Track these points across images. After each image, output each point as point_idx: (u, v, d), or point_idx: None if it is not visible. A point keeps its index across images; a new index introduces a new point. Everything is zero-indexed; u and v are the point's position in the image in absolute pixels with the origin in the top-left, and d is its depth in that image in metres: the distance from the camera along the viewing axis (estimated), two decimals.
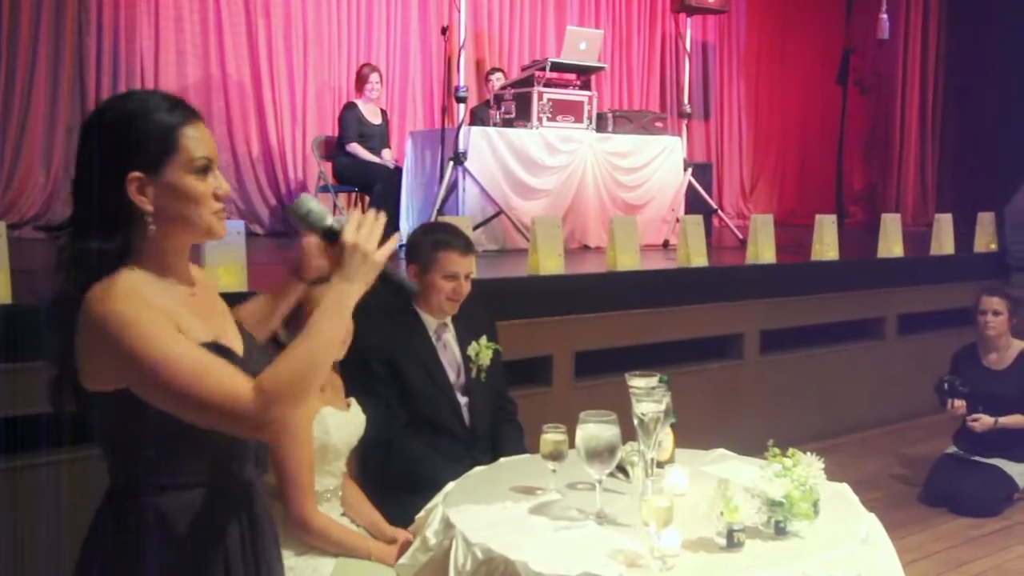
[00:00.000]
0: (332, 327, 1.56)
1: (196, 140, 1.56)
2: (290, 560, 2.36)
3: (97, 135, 1.54)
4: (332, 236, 1.65)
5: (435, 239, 3.07)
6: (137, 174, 1.52)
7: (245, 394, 1.46)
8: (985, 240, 7.09)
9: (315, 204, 1.70)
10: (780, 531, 2.09)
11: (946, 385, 4.51)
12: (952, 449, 4.75)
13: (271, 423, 1.48)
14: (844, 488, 2.41)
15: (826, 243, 5.99)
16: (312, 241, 1.80)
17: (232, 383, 1.47)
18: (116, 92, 6.72)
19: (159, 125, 1.54)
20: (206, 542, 1.58)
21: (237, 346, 1.66)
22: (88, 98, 6.71)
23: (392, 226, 6.37)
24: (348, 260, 1.59)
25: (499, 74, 7.83)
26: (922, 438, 5.62)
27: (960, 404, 4.50)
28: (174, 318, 1.52)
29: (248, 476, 1.68)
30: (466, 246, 3.07)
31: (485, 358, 3.09)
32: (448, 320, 3.11)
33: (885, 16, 8.71)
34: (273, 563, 1.74)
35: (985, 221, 7.14)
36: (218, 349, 1.55)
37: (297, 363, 1.51)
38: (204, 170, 1.57)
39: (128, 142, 1.52)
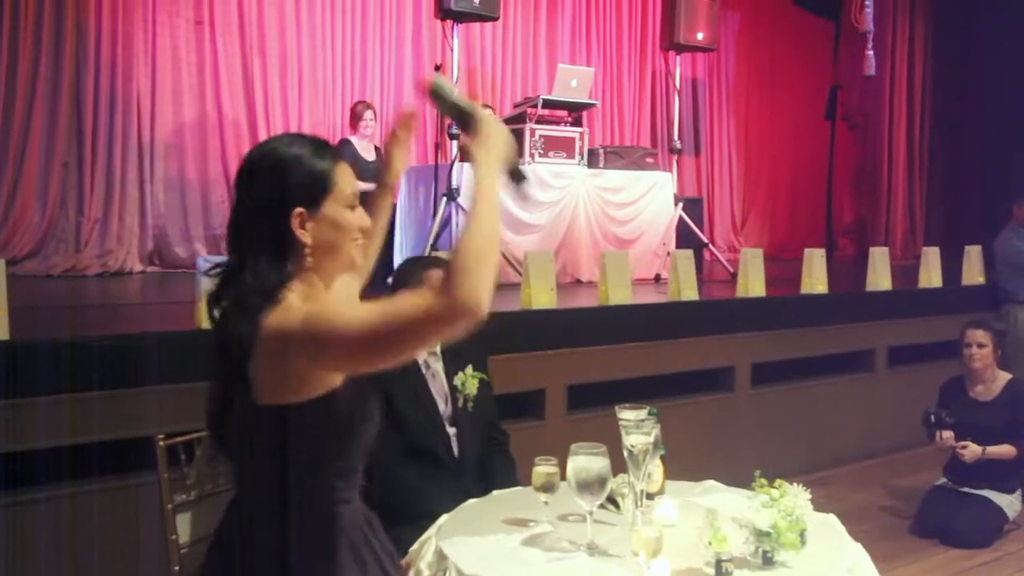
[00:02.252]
0: (490, 202, 1.60)
1: (347, 178, 1.73)
2: None
3: (259, 179, 1.69)
4: (460, 113, 1.73)
5: (423, 263, 3.23)
6: (300, 210, 1.66)
7: (432, 296, 1.50)
8: (973, 273, 7.17)
9: (445, 82, 1.82)
10: (768, 561, 2.12)
11: (932, 417, 4.55)
12: (942, 481, 4.78)
13: (470, 302, 1.49)
14: (831, 519, 2.44)
15: (815, 276, 6.05)
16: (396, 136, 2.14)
17: (415, 298, 1.53)
18: (113, 130, 6.84)
19: (317, 166, 1.70)
20: (372, 553, 1.77)
21: None
22: (85, 136, 6.79)
23: (386, 262, 6.47)
24: (486, 131, 1.67)
25: (490, 111, 7.93)
26: (912, 470, 5.65)
27: (948, 435, 4.54)
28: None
29: None
30: None
31: (471, 388, 3.13)
32: (437, 350, 3.15)
33: (871, 53, 8.86)
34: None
35: (973, 254, 7.23)
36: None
37: (472, 240, 1.54)
38: (353, 206, 1.74)
39: (290, 183, 1.67)
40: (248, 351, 1.60)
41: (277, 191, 1.66)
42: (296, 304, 1.61)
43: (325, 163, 1.70)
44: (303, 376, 1.61)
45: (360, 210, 1.75)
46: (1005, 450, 4.51)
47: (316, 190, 1.68)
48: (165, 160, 7.17)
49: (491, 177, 1.63)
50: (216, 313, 1.71)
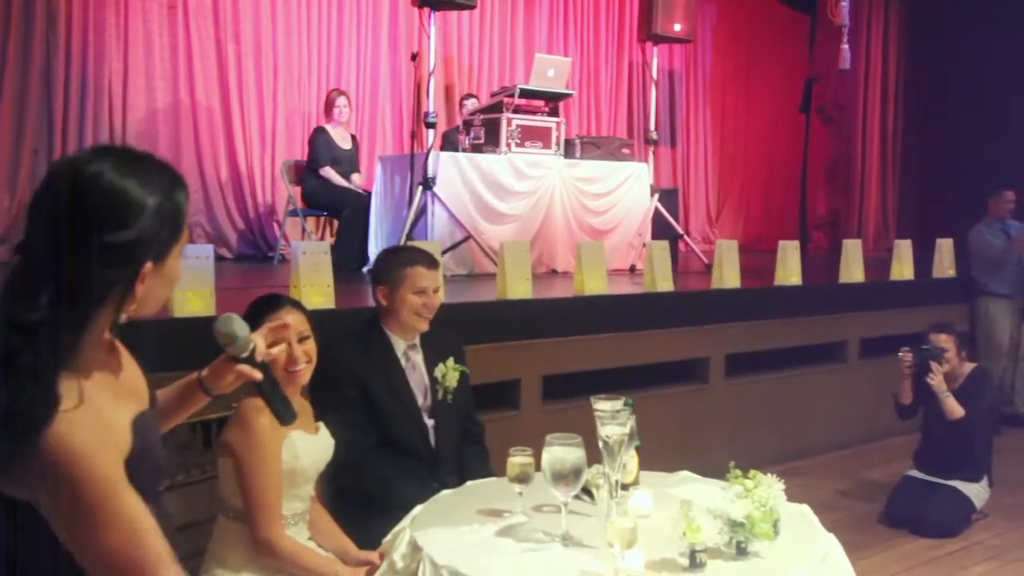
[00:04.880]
0: None
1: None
2: None
3: (96, 220, 1.36)
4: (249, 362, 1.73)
5: (402, 258, 3.16)
6: (151, 264, 1.42)
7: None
8: (944, 266, 7.25)
9: (241, 329, 1.73)
10: (741, 551, 2.14)
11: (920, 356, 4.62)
12: (912, 471, 4.84)
13: None
14: (804, 509, 2.46)
15: (789, 268, 6.09)
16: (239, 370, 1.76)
17: (156, 565, 1.36)
18: (84, 116, 6.74)
19: (179, 207, 1.46)
20: None
21: (143, 390, 1.58)
22: (55, 121, 6.68)
23: (360, 251, 6.44)
24: None
25: (473, 100, 7.91)
26: (883, 460, 5.71)
27: (908, 357, 4.64)
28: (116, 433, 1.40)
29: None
30: (432, 262, 3.16)
31: (452, 380, 3.12)
32: (416, 342, 3.14)
33: (846, 47, 8.90)
34: None
35: (944, 247, 7.31)
36: (141, 417, 1.47)
37: None
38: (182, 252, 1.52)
39: (146, 230, 1.40)
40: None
41: (130, 240, 1.37)
42: (80, 417, 1.32)
43: (184, 199, 1.46)
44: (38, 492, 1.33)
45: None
46: (957, 409, 4.56)
47: (175, 235, 1.44)
48: (137, 147, 7.06)
49: None
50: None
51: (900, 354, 4.70)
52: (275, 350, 1.88)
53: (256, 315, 2.41)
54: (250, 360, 1.74)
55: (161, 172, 1.46)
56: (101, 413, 1.39)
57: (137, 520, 1.36)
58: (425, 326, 3.11)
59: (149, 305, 1.48)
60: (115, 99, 6.96)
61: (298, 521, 2.49)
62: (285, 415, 1.82)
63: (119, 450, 1.39)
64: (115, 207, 1.38)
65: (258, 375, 1.74)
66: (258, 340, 1.77)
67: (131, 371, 1.58)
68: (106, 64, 6.89)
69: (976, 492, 4.66)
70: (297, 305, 2.59)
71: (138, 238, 1.38)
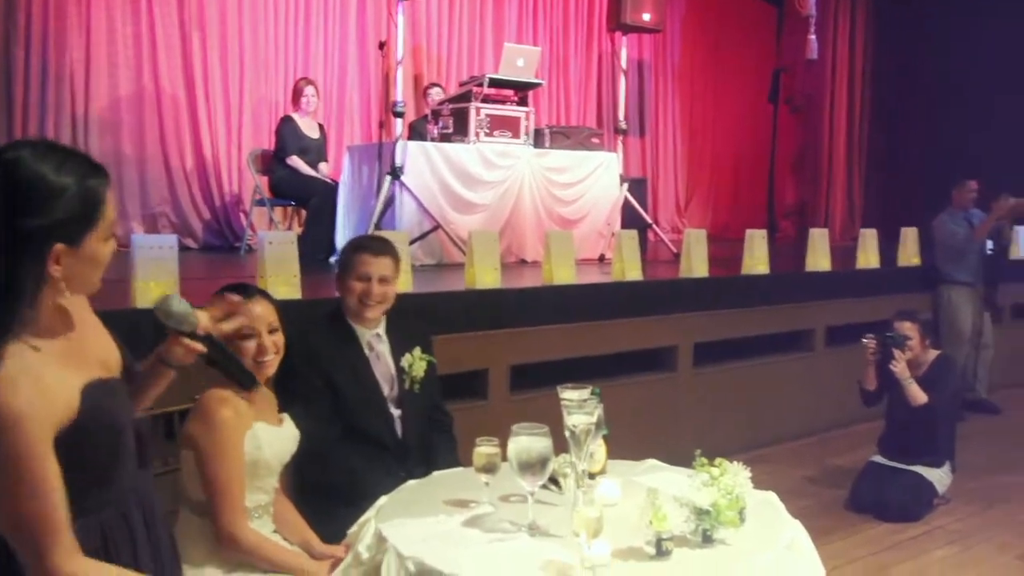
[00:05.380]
0: None
1: (112, 204, 1.61)
2: None
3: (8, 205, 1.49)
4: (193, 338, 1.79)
5: (351, 245, 3.17)
6: (61, 247, 1.51)
7: (58, 559, 1.49)
8: (908, 254, 7.33)
9: (177, 305, 1.78)
10: (707, 539, 2.14)
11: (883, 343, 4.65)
12: (877, 457, 4.89)
13: None
14: (770, 496, 2.47)
15: (757, 257, 6.13)
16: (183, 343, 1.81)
17: (56, 538, 1.50)
18: (46, 103, 6.63)
19: (91, 193, 1.55)
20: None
21: (115, 360, 1.71)
22: (15, 109, 6.57)
23: (328, 241, 6.39)
24: None
25: (438, 89, 7.87)
26: (848, 447, 5.77)
27: (872, 343, 4.69)
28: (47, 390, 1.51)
29: (140, 483, 1.73)
30: (378, 248, 3.09)
31: (419, 370, 3.10)
32: (381, 331, 3.12)
33: (814, 37, 8.97)
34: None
35: (908, 236, 7.39)
36: (99, 385, 1.59)
37: None
38: (109, 237, 1.61)
39: (56, 215, 1.50)
40: None
41: (40, 224, 1.48)
42: (15, 373, 1.47)
43: (100, 186, 1.56)
44: None
45: (112, 242, 1.62)
46: (920, 395, 4.61)
47: (87, 222, 1.53)
48: (100, 135, 6.96)
49: None
50: None
51: (864, 341, 4.75)
52: (228, 325, 1.92)
53: None
54: (192, 334, 1.79)
55: (78, 160, 1.57)
56: (40, 380, 1.50)
57: (46, 491, 1.49)
58: (371, 314, 3.04)
59: (78, 285, 1.58)
60: (77, 87, 6.86)
61: (262, 514, 2.46)
62: (245, 380, 1.88)
63: (54, 418, 1.51)
64: (29, 191, 1.49)
65: (199, 347, 1.79)
66: (201, 315, 1.80)
67: (96, 340, 1.69)
68: (67, 51, 6.78)
69: (939, 477, 4.72)
70: (266, 295, 2.56)
71: (50, 222, 1.49)
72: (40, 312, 1.54)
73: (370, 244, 3.12)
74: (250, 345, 2.44)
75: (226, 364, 1.86)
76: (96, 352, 1.68)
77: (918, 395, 4.61)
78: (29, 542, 1.50)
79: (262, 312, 2.45)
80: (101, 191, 1.57)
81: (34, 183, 1.50)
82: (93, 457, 1.59)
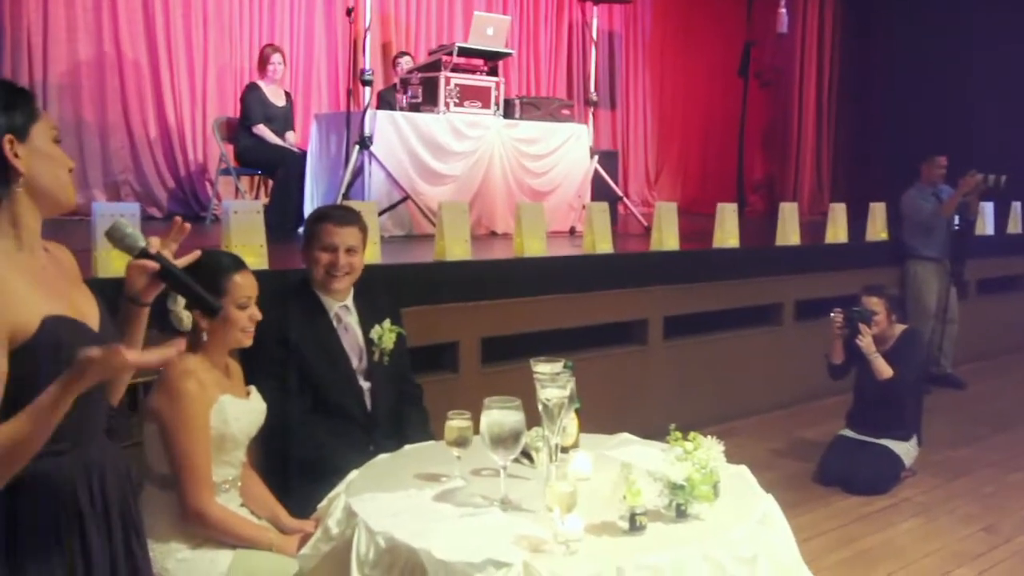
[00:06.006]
0: (35, 431, 1.51)
1: (48, 118, 1.68)
2: (185, 552, 2.30)
3: None
4: (144, 256, 1.76)
5: (315, 214, 3.11)
6: (10, 136, 1.57)
7: None
8: (876, 229, 7.37)
9: (130, 228, 1.77)
10: (681, 514, 2.12)
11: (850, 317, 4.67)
12: (845, 431, 4.92)
13: None
14: (743, 470, 2.46)
15: (727, 231, 6.12)
16: (135, 264, 1.78)
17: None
18: (1, 69, 6.44)
19: (18, 95, 1.63)
20: (65, 504, 1.63)
21: (92, 317, 1.71)
22: None
23: (296, 212, 6.30)
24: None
25: (407, 58, 7.76)
26: (817, 420, 5.81)
27: (839, 317, 4.70)
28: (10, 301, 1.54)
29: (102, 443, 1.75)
30: (344, 218, 3.03)
31: (388, 342, 3.05)
32: (349, 303, 3.06)
33: (784, 11, 8.96)
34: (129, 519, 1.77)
35: (877, 211, 7.42)
36: (66, 322, 1.61)
37: None
38: (59, 140, 1.68)
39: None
40: None
41: None
42: None
43: (24, 95, 1.64)
44: None
45: (60, 149, 1.68)
46: (886, 369, 4.64)
47: (24, 116, 1.60)
48: (59, 101, 6.78)
49: (64, 401, 1.49)
50: None
51: (832, 315, 4.77)
52: (182, 260, 1.85)
53: (217, 271, 2.40)
54: (144, 253, 1.76)
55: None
56: (3, 282, 1.54)
57: None
58: (338, 285, 2.99)
59: (46, 183, 1.63)
60: (35, 51, 6.68)
61: (230, 488, 2.41)
62: (206, 304, 1.81)
63: (6, 326, 1.53)
64: None
65: (153, 264, 1.76)
66: (152, 239, 1.78)
67: (77, 292, 1.73)
68: (24, 16, 6.59)
69: (905, 450, 4.77)
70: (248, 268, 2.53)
71: None
72: (18, 227, 1.61)
73: (335, 213, 3.06)
74: (243, 314, 2.43)
75: (184, 286, 1.79)
76: (72, 298, 1.69)
77: (884, 369, 4.64)
78: None
79: (249, 284, 2.47)
80: (30, 95, 1.65)
81: None
82: (36, 392, 1.51)
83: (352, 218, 3.05)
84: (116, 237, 1.76)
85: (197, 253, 1.90)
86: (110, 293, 1.84)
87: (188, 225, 1.84)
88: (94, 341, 1.57)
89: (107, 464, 1.72)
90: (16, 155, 1.58)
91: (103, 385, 1.68)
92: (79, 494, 1.64)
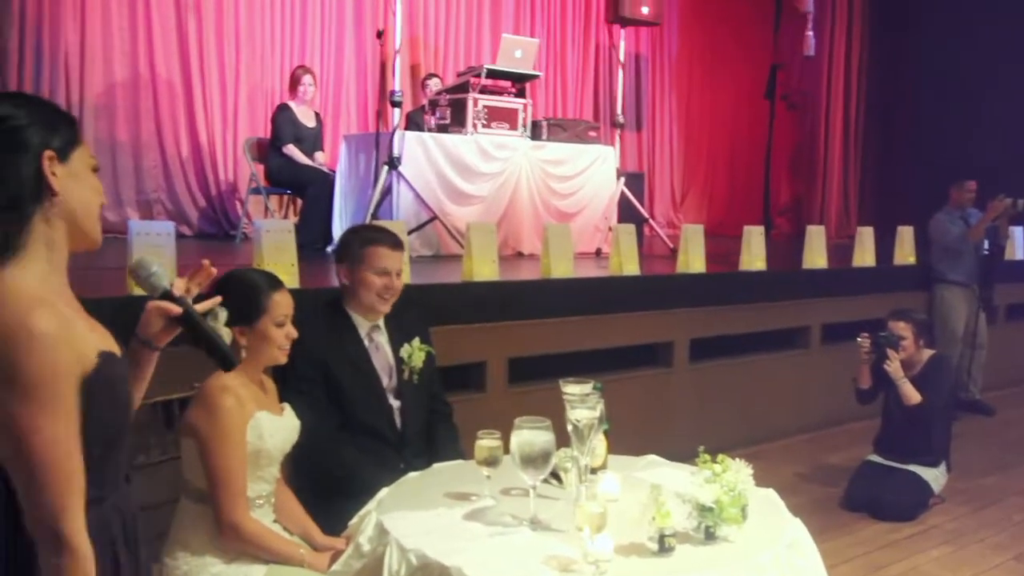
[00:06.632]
0: None
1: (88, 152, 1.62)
2: (219, 567, 2.33)
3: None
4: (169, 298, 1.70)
5: (363, 237, 3.11)
6: (50, 153, 1.52)
7: (71, 523, 1.44)
8: (904, 253, 7.34)
9: (156, 267, 1.71)
10: (710, 536, 2.13)
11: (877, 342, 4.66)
12: (872, 456, 4.89)
13: (51, 546, 1.45)
14: (771, 493, 2.47)
15: (754, 254, 6.12)
16: (156, 306, 1.72)
17: (70, 497, 1.44)
18: (40, 89, 6.58)
19: (64, 115, 1.60)
20: (104, 552, 1.56)
21: (116, 347, 1.63)
22: (9, 91, 6.50)
23: (324, 231, 6.36)
24: None
25: (436, 79, 7.83)
26: (844, 445, 5.78)
27: (866, 342, 4.68)
28: (74, 331, 1.48)
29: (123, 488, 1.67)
30: (395, 242, 3.08)
31: (418, 360, 3.08)
32: (380, 323, 3.10)
33: (811, 33, 8.97)
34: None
35: (904, 235, 7.39)
36: (112, 357, 1.55)
37: None
38: (96, 169, 1.62)
39: (38, 121, 1.53)
40: None
41: (31, 127, 1.52)
42: (32, 293, 1.46)
43: (68, 119, 1.60)
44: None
45: (97, 179, 1.62)
46: (914, 395, 4.62)
47: (66, 138, 1.56)
48: (95, 121, 6.91)
49: None
50: None
51: (859, 340, 4.75)
52: (202, 306, 1.80)
53: (256, 291, 2.45)
54: (168, 294, 1.70)
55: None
56: (67, 318, 1.48)
57: (67, 434, 1.43)
58: (386, 308, 3.04)
59: (78, 209, 1.56)
60: (72, 72, 6.80)
61: (264, 503, 2.45)
62: (223, 357, 1.74)
63: (77, 358, 1.47)
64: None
65: (176, 308, 1.70)
66: (177, 280, 1.74)
67: (100, 327, 1.63)
68: (62, 36, 6.72)
69: (934, 477, 4.73)
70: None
71: (37, 123, 1.53)
72: (52, 250, 1.54)
73: (384, 237, 3.07)
74: (280, 332, 2.48)
75: (205, 337, 1.71)
76: (102, 331, 1.63)
77: (912, 395, 4.61)
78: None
79: (291, 301, 2.52)
80: (74, 121, 1.61)
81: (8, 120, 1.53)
82: (94, 431, 1.50)
83: (401, 242, 3.11)
84: (141, 276, 1.70)
85: (218, 299, 1.85)
86: (107, 312, 1.78)
87: (215, 269, 1.80)
88: (124, 367, 1.58)
89: (132, 507, 1.68)
90: (54, 174, 1.52)
91: (128, 428, 1.64)
92: (116, 543, 1.60)
